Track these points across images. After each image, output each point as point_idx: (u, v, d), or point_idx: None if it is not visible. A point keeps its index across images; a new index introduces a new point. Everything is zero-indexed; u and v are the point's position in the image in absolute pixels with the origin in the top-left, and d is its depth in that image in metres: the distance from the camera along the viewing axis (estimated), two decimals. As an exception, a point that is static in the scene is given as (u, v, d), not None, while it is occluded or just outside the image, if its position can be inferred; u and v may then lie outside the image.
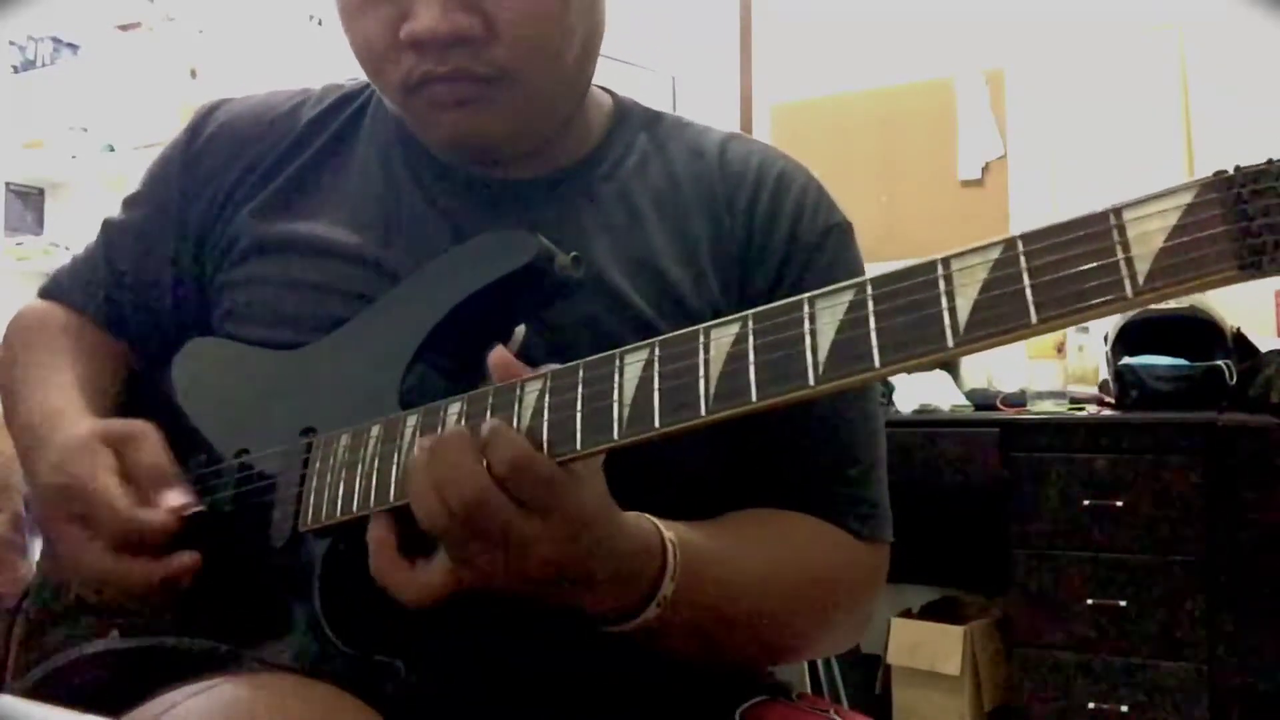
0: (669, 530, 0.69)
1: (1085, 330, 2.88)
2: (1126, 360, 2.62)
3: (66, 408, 0.83)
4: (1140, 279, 0.46)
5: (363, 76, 0.84)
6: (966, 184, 3.25)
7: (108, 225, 0.98)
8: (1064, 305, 0.48)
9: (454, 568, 0.62)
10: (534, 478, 0.59)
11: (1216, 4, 2.88)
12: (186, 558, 0.72)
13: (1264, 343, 2.62)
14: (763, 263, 0.84)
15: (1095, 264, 0.48)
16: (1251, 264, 0.45)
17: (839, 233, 0.87)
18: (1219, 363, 2.54)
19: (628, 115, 0.91)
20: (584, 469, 0.62)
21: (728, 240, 0.84)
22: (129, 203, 0.97)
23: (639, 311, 0.81)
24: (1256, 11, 2.80)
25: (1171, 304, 2.65)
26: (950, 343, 0.50)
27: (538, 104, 0.80)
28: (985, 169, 3.23)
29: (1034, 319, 0.48)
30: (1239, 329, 2.64)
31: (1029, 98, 3.18)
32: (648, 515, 0.69)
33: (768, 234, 0.84)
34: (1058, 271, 0.48)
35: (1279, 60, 2.78)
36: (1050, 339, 2.74)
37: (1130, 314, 2.67)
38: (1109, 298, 0.47)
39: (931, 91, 3.30)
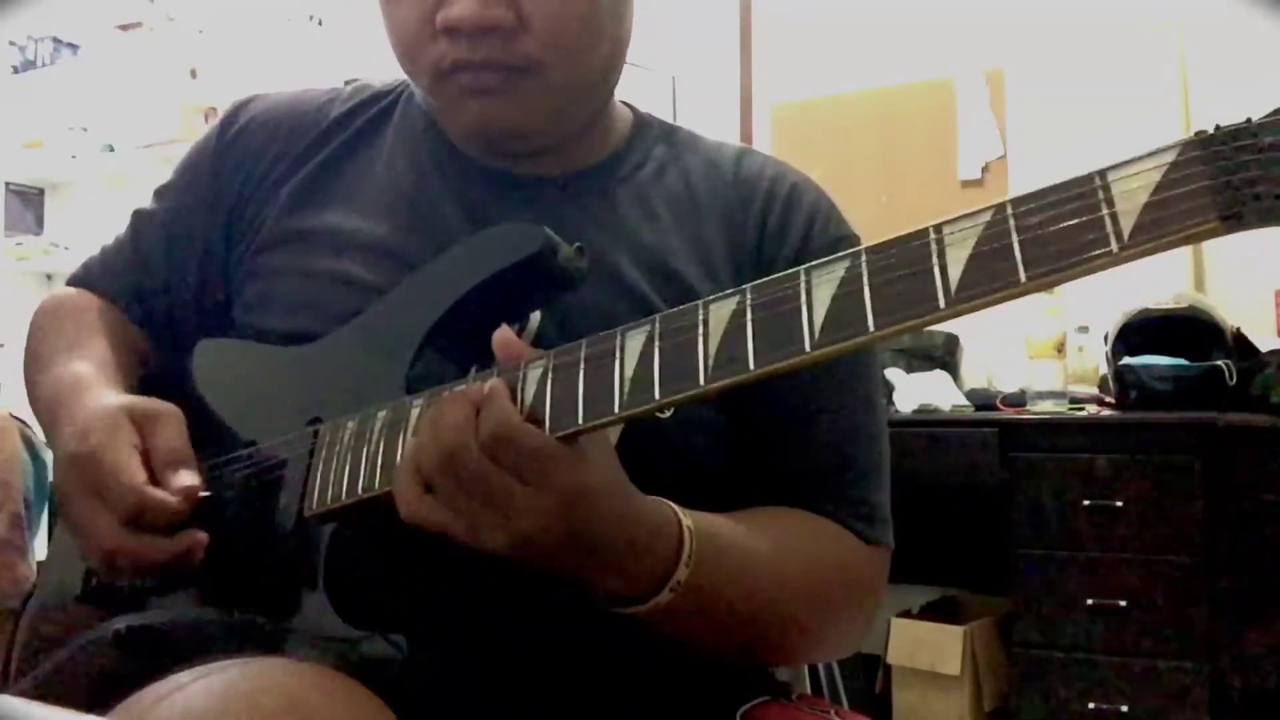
0: (687, 517, 0.69)
1: (1085, 330, 2.89)
2: (1126, 360, 2.62)
3: (93, 377, 0.85)
4: (1125, 234, 0.48)
5: (385, 77, 0.86)
6: (966, 184, 3.25)
7: (137, 215, 1.00)
8: (1051, 263, 0.49)
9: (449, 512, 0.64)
10: (517, 447, 0.61)
11: (1216, 4, 2.88)
12: (195, 536, 0.73)
13: (1264, 343, 2.62)
14: (772, 268, 0.85)
15: (1081, 220, 0.49)
16: (1233, 215, 0.46)
17: (848, 245, 0.87)
18: (1219, 363, 2.54)
19: (646, 127, 0.94)
20: (590, 445, 0.63)
21: (741, 247, 0.87)
22: (160, 193, 0.99)
23: (656, 308, 0.81)
24: (1256, 11, 2.80)
25: (1171, 304, 2.65)
26: (942, 304, 0.51)
27: (561, 99, 0.83)
28: (985, 169, 3.23)
29: (1023, 277, 0.50)
30: (1239, 329, 2.64)
31: (1029, 98, 3.17)
32: (668, 501, 0.70)
33: (779, 243, 0.87)
34: (1045, 230, 0.50)
35: (1279, 60, 2.78)
36: (1050, 339, 2.75)
37: (1130, 314, 2.68)
38: (1095, 253, 0.48)
39: (931, 91, 3.30)
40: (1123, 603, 2.46)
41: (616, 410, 0.59)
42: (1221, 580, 2.40)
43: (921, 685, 2.73)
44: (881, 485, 0.86)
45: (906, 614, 2.88)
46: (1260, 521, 2.37)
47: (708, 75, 3.60)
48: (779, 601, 0.77)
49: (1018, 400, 2.76)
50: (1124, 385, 2.61)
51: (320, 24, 3.87)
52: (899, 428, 2.72)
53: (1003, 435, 2.61)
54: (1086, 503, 2.50)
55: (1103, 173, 0.49)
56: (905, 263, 0.53)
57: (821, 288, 0.55)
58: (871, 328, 0.53)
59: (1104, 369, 2.80)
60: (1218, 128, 0.47)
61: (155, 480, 0.74)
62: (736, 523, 0.76)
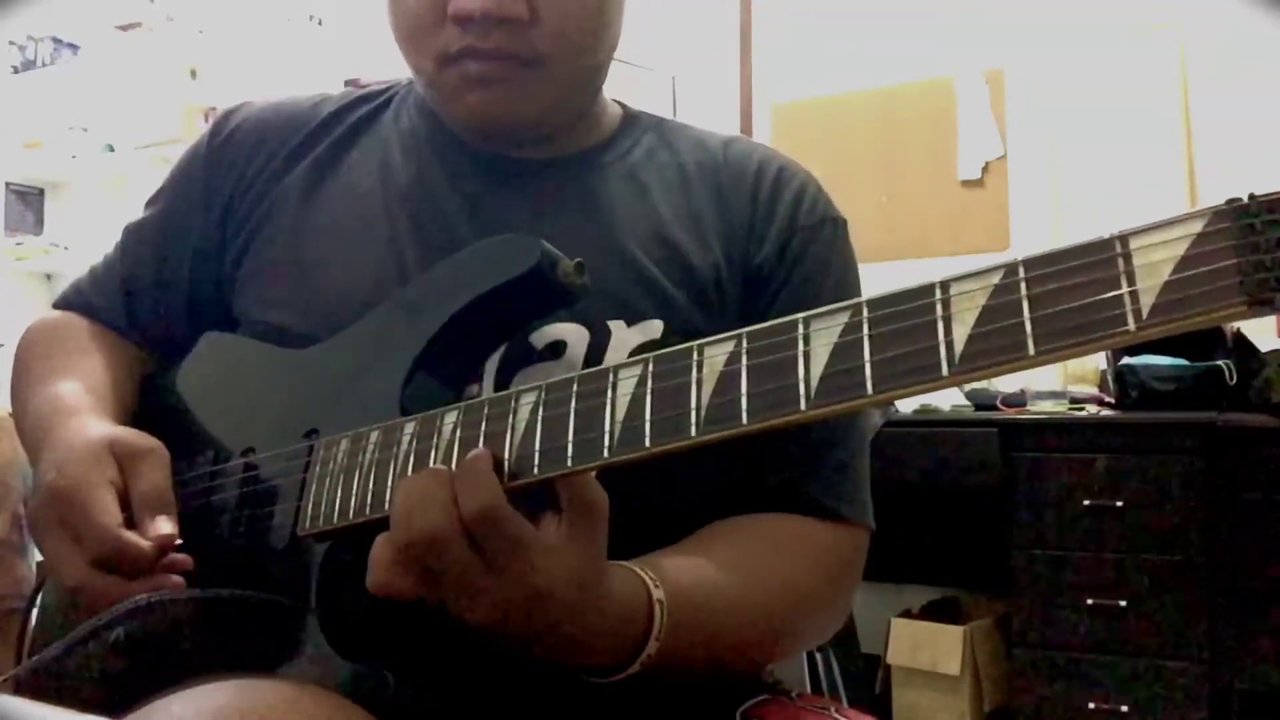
0: (659, 589, 0.68)
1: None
2: (1126, 360, 2.62)
3: (77, 404, 0.83)
4: (1144, 313, 0.45)
5: (384, 77, 0.85)
6: (966, 184, 3.25)
7: (128, 228, 0.99)
8: (1063, 339, 0.46)
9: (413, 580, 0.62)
10: (500, 533, 0.59)
11: (1216, 4, 2.88)
12: (166, 580, 0.71)
13: (1264, 343, 2.62)
14: (764, 242, 0.87)
15: (1098, 296, 0.45)
16: (1261, 301, 0.42)
17: (834, 225, 0.90)
18: (1219, 363, 2.54)
19: (636, 118, 0.95)
20: (561, 540, 0.61)
21: (732, 221, 0.88)
22: (150, 201, 0.99)
23: (652, 276, 0.83)
24: (1256, 11, 2.80)
25: (1171, 304, 2.65)
26: (945, 373, 0.49)
27: (562, 93, 0.84)
28: (985, 169, 3.23)
29: (1032, 351, 0.47)
30: (1239, 329, 2.64)
31: (1029, 98, 3.18)
32: (636, 570, 0.68)
33: (769, 218, 0.88)
34: (1058, 302, 0.46)
35: (1279, 60, 2.78)
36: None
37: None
38: (1110, 332, 0.45)
39: (931, 91, 3.30)
40: (1123, 603, 2.46)
41: (606, 457, 0.58)
42: (1221, 580, 2.40)
43: (921, 685, 2.73)
44: (860, 467, 0.86)
45: (906, 614, 2.88)
46: (1261, 521, 2.37)
47: (708, 75, 3.60)
48: (758, 627, 0.77)
49: (1018, 400, 2.77)
50: (1124, 385, 2.61)
51: (320, 24, 3.87)
52: (899, 428, 2.73)
53: (1003, 435, 2.61)
54: (1086, 503, 2.50)
55: (1124, 238, 0.45)
56: (908, 325, 0.50)
57: (820, 340, 0.53)
58: (870, 392, 0.51)
59: (1104, 369, 2.80)
60: (1252, 196, 0.43)
61: (132, 520, 0.72)
62: (706, 559, 0.75)
